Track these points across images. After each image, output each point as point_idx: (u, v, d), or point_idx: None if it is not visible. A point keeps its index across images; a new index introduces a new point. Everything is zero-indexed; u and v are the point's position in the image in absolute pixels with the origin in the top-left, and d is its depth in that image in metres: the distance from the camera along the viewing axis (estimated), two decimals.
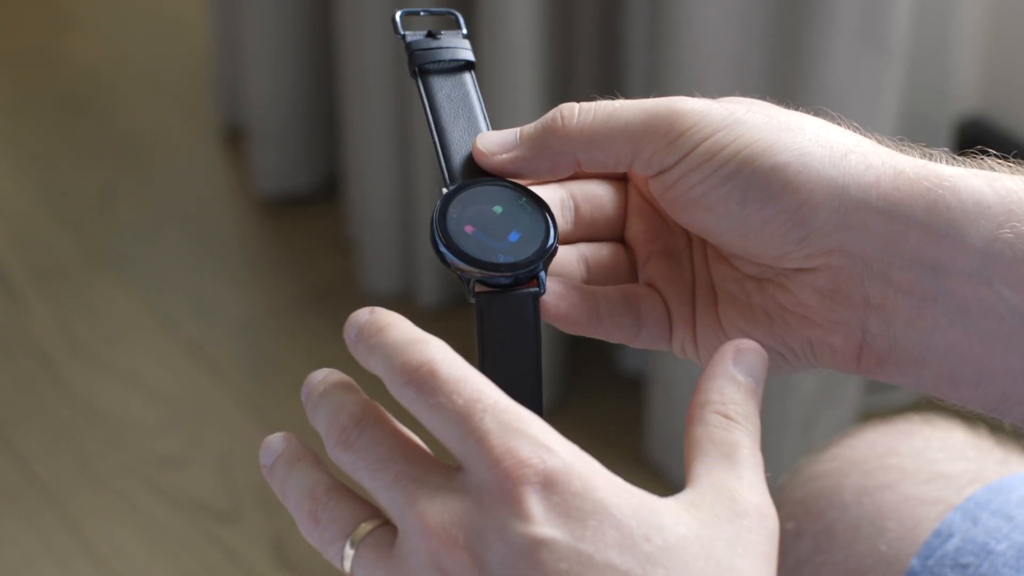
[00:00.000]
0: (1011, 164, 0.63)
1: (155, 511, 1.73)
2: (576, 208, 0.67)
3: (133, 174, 2.22)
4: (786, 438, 1.63)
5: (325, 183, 2.15)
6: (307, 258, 2.08)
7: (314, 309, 2.00)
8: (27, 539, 1.70)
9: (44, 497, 1.75)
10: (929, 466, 0.83)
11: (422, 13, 0.72)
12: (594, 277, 0.66)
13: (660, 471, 1.74)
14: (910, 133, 1.65)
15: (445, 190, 0.64)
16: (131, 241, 2.11)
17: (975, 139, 1.75)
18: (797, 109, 0.65)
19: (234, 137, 2.27)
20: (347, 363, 2.17)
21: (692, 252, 0.66)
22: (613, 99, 0.64)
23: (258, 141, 2.12)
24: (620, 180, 0.68)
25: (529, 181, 0.66)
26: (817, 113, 0.65)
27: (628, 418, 1.80)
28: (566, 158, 0.64)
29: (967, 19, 1.68)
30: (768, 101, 0.65)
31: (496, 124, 0.67)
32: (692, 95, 0.64)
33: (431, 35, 0.69)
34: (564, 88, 1.71)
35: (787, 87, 1.47)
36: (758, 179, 0.61)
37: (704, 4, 1.47)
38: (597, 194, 0.67)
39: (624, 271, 0.67)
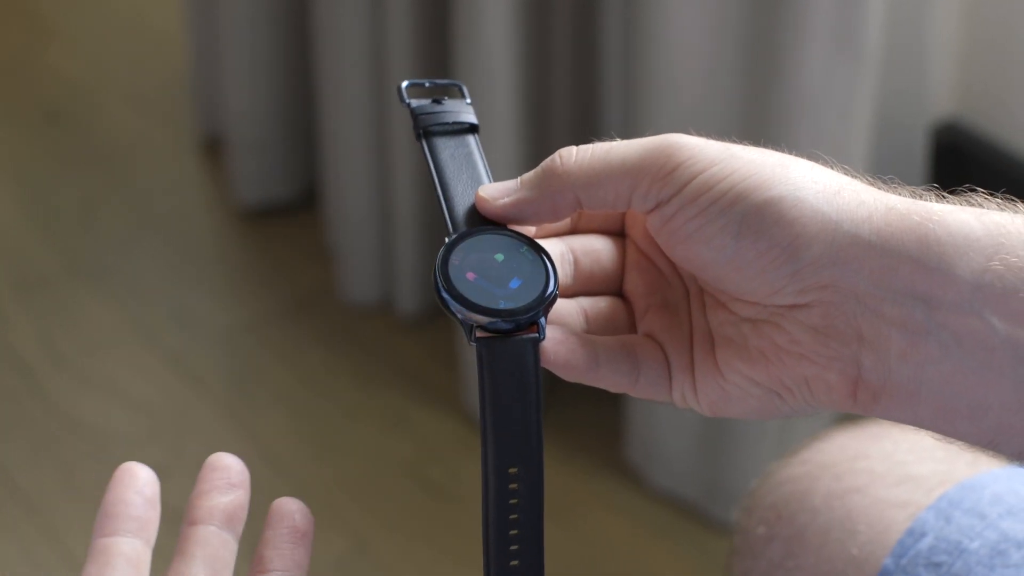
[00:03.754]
0: (999, 200, 0.63)
1: None
2: (576, 262, 0.68)
3: (112, 185, 2.22)
4: (763, 442, 1.64)
5: (304, 193, 2.15)
6: (286, 268, 2.08)
7: (294, 319, 2.00)
8: (8, 550, 1.70)
9: (25, 508, 1.75)
10: (899, 468, 0.84)
11: (427, 84, 0.73)
12: (593, 329, 0.67)
13: (638, 477, 1.75)
14: (885, 138, 1.66)
15: (448, 239, 0.65)
16: (111, 252, 2.11)
17: (951, 144, 1.76)
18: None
19: (213, 148, 2.27)
20: (326, 373, 2.17)
21: (690, 303, 0.67)
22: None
23: (237, 152, 2.12)
24: (618, 235, 0.69)
25: (532, 232, 0.67)
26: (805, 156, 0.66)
27: (606, 424, 1.81)
28: (567, 198, 0.65)
29: (942, 23, 1.69)
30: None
31: None
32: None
33: (436, 101, 0.71)
34: (540, 95, 1.71)
35: (762, 93, 1.48)
36: (753, 213, 0.62)
37: (679, 10, 1.47)
38: (596, 248, 0.69)
39: (623, 324, 0.68)
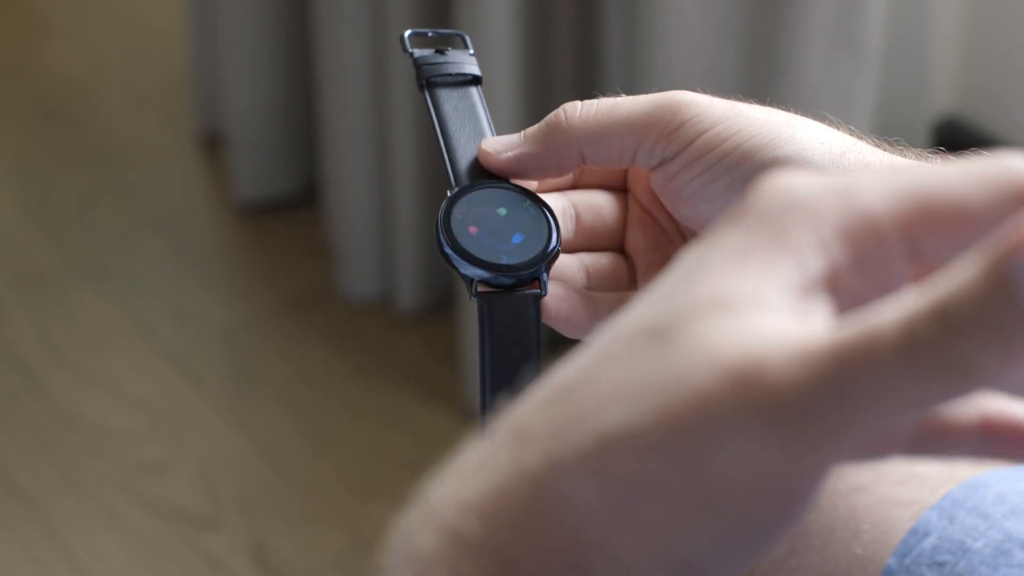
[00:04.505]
0: None
1: (136, 519, 1.73)
2: (577, 217, 0.67)
3: (111, 182, 2.22)
4: None
5: (303, 190, 2.15)
6: (286, 265, 2.08)
7: (293, 316, 2.00)
8: (7, 547, 1.70)
9: (25, 505, 1.75)
10: (903, 467, 0.83)
11: (430, 34, 0.73)
12: (595, 285, 0.67)
13: None
14: (886, 135, 1.66)
15: (450, 192, 0.65)
16: (110, 249, 2.11)
17: (951, 141, 1.76)
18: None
19: (212, 144, 2.27)
20: (325, 370, 2.17)
21: None
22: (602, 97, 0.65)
23: (236, 148, 2.12)
24: (620, 191, 0.69)
25: (533, 187, 0.67)
26: (811, 117, 0.65)
27: None
28: (571, 152, 0.65)
29: (942, 21, 1.69)
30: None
31: None
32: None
33: (439, 52, 0.70)
34: (541, 90, 1.71)
35: (762, 90, 1.48)
36: (758, 172, 0.61)
37: (680, 8, 1.47)
38: (598, 204, 0.68)
39: (624, 280, 0.68)
